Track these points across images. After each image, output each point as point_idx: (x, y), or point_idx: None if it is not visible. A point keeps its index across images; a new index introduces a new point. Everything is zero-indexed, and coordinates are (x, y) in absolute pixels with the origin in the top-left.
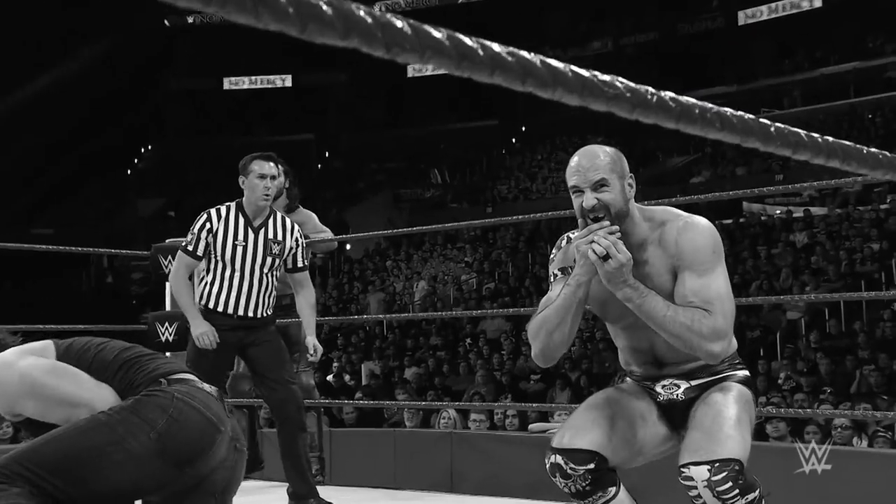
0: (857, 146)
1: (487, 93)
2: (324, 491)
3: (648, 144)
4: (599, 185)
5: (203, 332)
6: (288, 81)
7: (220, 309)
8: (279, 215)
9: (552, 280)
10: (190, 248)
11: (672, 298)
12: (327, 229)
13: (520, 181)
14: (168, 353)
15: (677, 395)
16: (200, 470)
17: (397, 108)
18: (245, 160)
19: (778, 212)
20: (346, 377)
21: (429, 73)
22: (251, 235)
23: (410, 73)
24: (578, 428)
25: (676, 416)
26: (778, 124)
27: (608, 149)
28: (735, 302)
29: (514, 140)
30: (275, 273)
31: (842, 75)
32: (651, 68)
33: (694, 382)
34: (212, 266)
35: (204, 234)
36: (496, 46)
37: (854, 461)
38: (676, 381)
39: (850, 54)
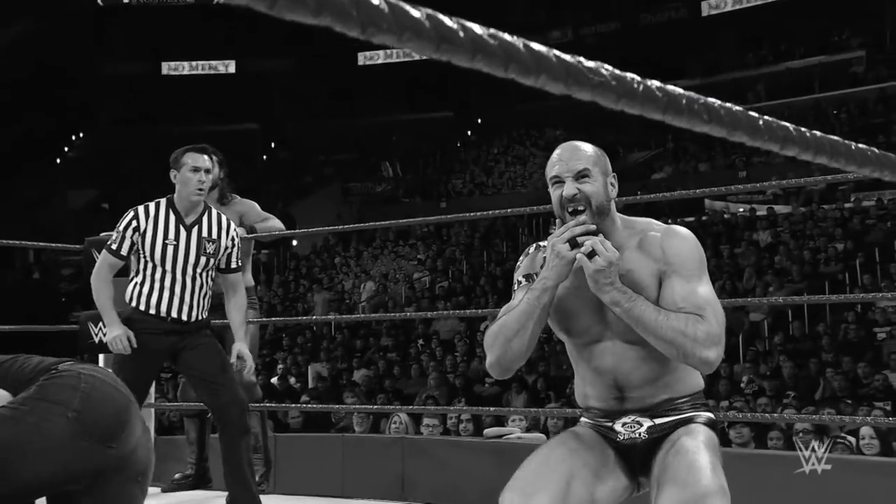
0: (846, 142)
1: (442, 83)
2: (268, 500)
3: (608, 139)
4: (581, 176)
5: (117, 336)
6: (231, 67)
7: (151, 311)
8: (214, 212)
9: (515, 287)
10: (114, 246)
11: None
12: (272, 216)
13: (475, 175)
14: (101, 356)
15: (639, 434)
16: (123, 448)
17: (347, 97)
18: (177, 153)
19: (741, 210)
20: (292, 380)
21: (380, 61)
22: (183, 233)
23: (361, 60)
24: (530, 493)
25: (635, 459)
26: (766, 118)
27: (591, 145)
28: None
29: (469, 132)
30: (209, 273)
31: (807, 70)
32: (611, 60)
33: (658, 421)
34: (141, 266)
35: (130, 232)
36: (478, 28)
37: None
38: (638, 419)
39: (815, 48)
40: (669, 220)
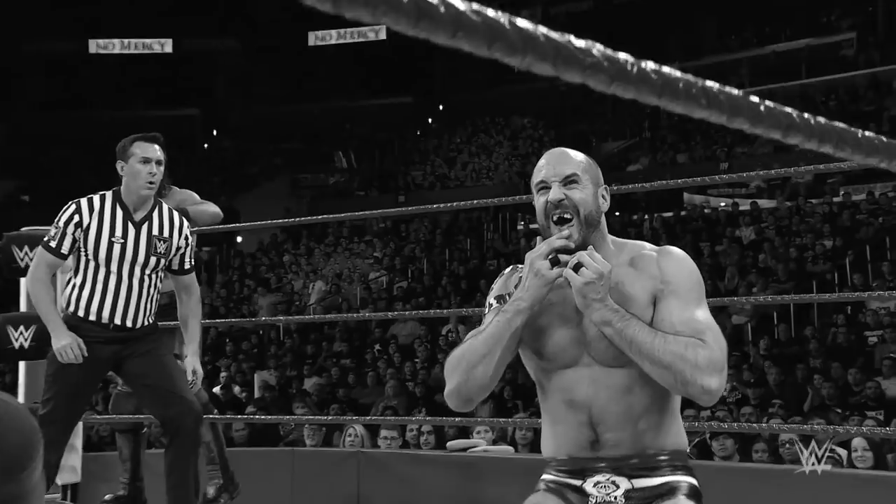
0: (852, 130)
1: (401, 66)
2: None
3: (579, 127)
4: (570, 181)
5: (66, 345)
6: (168, 47)
7: (91, 317)
8: (165, 207)
9: (486, 310)
10: (53, 244)
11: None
12: (211, 202)
13: (436, 167)
14: (22, 364)
15: (615, 499)
16: (23, 486)
17: (297, 81)
18: (125, 142)
19: (723, 204)
20: (236, 389)
21: (333, 41)
22: (132, 231)
23: (312, 40)
24: None
25: None
26: (768, 103)
27: (583, 153)
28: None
29: (430, 120)
30: (159, 275)
31: (793, 53)
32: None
33: (637, 484)
34: (82, 266)
35: (71, 228)
36: (460, 4)
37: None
38: (614, 479)
39: (802, 30)
40: (646, 217)
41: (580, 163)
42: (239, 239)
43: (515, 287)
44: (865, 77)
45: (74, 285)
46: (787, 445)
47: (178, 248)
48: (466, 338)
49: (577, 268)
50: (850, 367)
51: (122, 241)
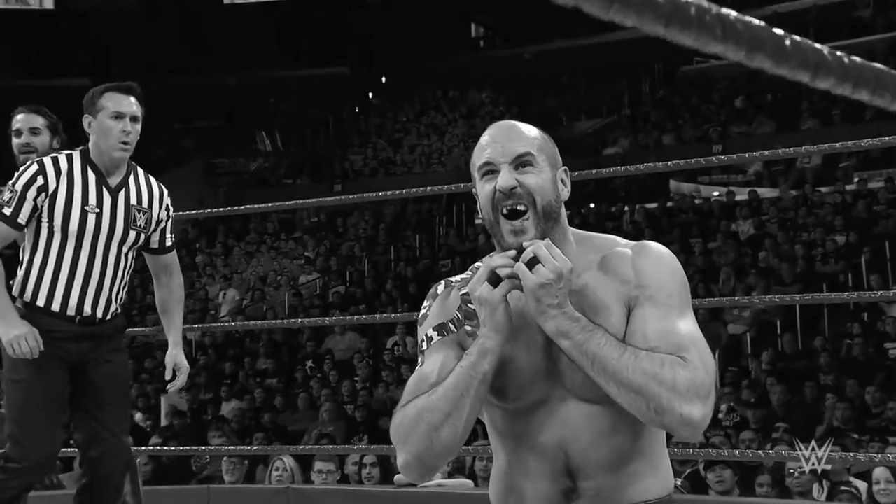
0: (893, 72)
1: (335, 29)
2: None
3: (547, 102)
4: (523, 163)
5: (21, 335)
6: (49, 2)
7: (54, 307)
8: (141, 172)
9: (424, 347)
10: (8, 211)
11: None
12: None
13: (379, 150)
14: None
15: None
16: None
17: (209, 47)
18: (93, 93)
19: (716, 193)
20: (138, 416)
21: None
22: (107, 199)
23: None
24: None
25: None
26: (795, 37)
27: (538, 129)
28: None
29: (370, 95)
30: (133, 255)
31: (799, 14)
32: None
33: None
34: (42, 242)
35: (33, 192)
36: None
37: None
38: None
39: None
40: (626, 208)
41: (534, 139)
42: None
43: (459, 310)
44: (884, 42)
45: (30, 266)
46: (797, 475)
47: (159, 222)
48: (410, 388)
49: (531, 264)
50: (868, 385)
51: (97, 210)
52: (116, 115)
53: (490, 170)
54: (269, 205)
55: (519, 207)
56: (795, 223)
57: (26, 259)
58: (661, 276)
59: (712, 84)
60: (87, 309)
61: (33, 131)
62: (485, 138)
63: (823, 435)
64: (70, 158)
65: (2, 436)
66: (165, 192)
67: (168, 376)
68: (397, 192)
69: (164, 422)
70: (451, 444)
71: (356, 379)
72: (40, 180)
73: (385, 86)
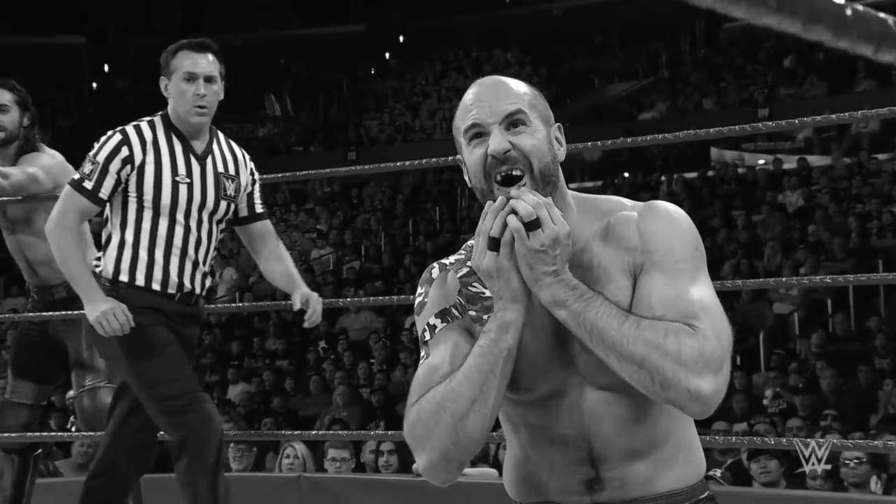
0: None
1: None
2: None
3: (579, 63)
4: (514, 122)
5: (109, 310)
6: None
7: (154, 285)
8: (222, 137)
9: (427, 337)
10: (90, 185)
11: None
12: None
13: (396, 115)
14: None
15: None
16: None
17: (211, 4)
18: (167, 52)
19: (761, 162)
20: None
21: None
22: (196, 167)
23: None
24: None
25: None
26: (857, 5)
27: (526, 83)
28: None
29: (387, 55)
30: (222, 227)
31: None
32: None
33: None
34: (131, 217)
35: (116, 165)
36: None
37: None
38: None
39: None
40: (662, 178)
41: (524, 95)
42: None
43: (460, 294)
44: None
45: (122, 243)
46: (852, 465)
47: (246, 188)
48: (418, 383)
49: (531, 226)
50: None
51: (188, 180)
52: (189, 77)
53: (478, 132)
54: (279, 175)
55: (515, 172)
56: (849, 193)
57: (116, 236)
58: (668, 239)
59: (758, 42)
60: (187, 284)
61: (1, 109)
62: (468, 97)
63: (879, 423)
64: (153, 126)
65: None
66: (248, 156)
67: (297, 305)
68: (416, 160)
69: None
70: (480, 433)
71: (372, 361)
72: (124, 151)
73: (403, 45)
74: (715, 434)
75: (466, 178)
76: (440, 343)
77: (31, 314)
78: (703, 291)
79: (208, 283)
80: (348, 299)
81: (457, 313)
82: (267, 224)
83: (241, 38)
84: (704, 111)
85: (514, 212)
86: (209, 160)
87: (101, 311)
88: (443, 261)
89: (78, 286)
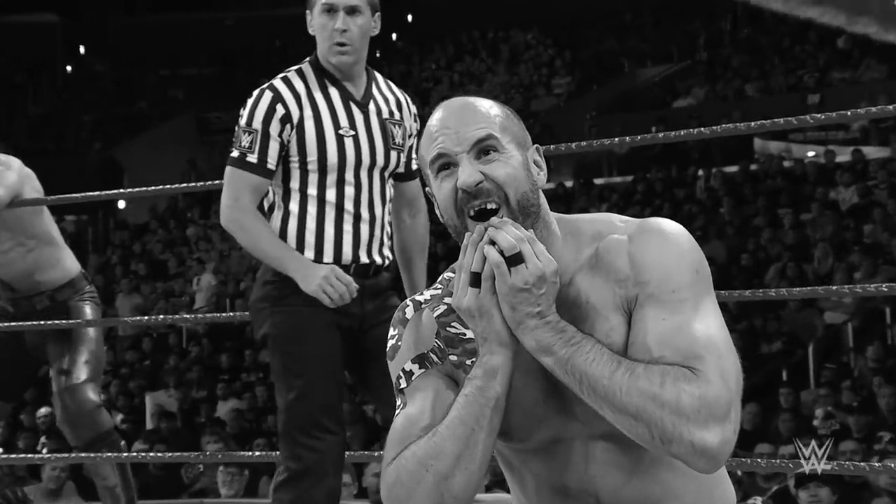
0: None
1: None
2: None
3: (606, 45)
4: (485, 150)
5: (327, 276)
6: None
7: (326, 258)
8: (379, 77)
9: (402, 385)
10: (253, 157)
11: (624, 355)
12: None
13: None
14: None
15: None
16: None
17: None
18: None
19: (811, 154)
20: (118, 417)
21: None
22: (358, 116)
23: None
24: None
25: None
26: None
27: (497, 102)
28: (733, 307)
29: (394, 36)
30: (392, 183)
31: None
32: None
33: None
34: (294, 183)
35: (276, 127)
36: None
37: None
38: None
39: None
40: (700, 172)
41: (494, 117)
42: (122, 204)
43: (438, 336)
44: None
45: (287, 215)
46: None
47: (410, 133)
48: (396, 435)
49: (513, 261)
50: None
51: (352, 132)
52: (328, 8)
53: (446, 163)
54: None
55: (489, 206)
56: None
57: (280, 208)
58: (664, 266)
59: (807, 21)
60: (363, 256)
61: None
62: (433, 123)
63: None
64: (302, 75)
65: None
66: (409, 99)
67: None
68: None
69: (149, 424)
70: (467, 494)
71: None
72: (280, 109)
73: (411, 25)
74: (758, 458)
75: (438, 213)
76: (418, 391)
77: (13, 324)
78: (706, 323)
79: (387, 251)
80: None
81: (436, 358)
82: (418, 186)
83: (233, 18)
84: (747, 98)
85: (493, 244)
86: (371, 106)
87: (319, 281)
88: (417, 297)
89: (282, 265)
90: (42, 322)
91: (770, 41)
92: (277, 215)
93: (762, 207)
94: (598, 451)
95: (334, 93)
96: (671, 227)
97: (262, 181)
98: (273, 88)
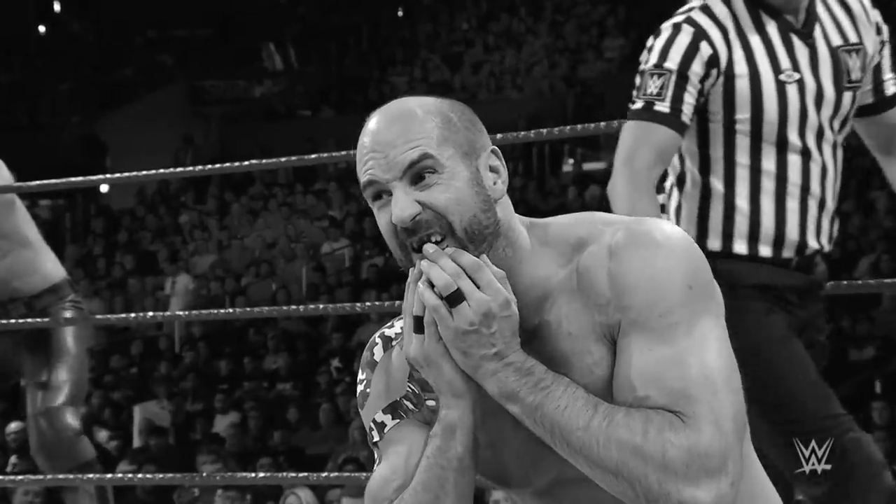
0: None
1: None
2: None
3: (666, 2)
4: (420, 173)
5: None
6: None
7: (763, 251)
8: None
9: (375, 438)
10: (664, 106)
11: (607, 395)
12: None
13: (430, 69)
14: None
15: None
16: None
17: None
18: None
19: None
20: (102, 434)
21: None
22: (801, 53)
23: None
24: None
25: None
26: None
27: (438, 102)
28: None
29: None
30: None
31: None
32: None
33: None
34: (716, 151)
35: (698, 70)
36: None
37: None
38: None
39: None
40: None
41: (431, 130)
42: (104, 188)
43: (411, 379)
44: None
45: (706, 195)
46: None
47: (872, 59)
48: (370, 496)
49: (453, 301)
50: None
51: (796, 76)
52: None
53: (378, 191)
54: (282, 160)
55: (433, 239)
56: None
57: (694, 185)
58: (649, 285)
59: None
60: (811, 241)
61: None
62: (363, 141)
63: None
64: (727, 1)
65: None
66: (868, 3)
67: None
68: None
69: (137, 441)
70: None
71: None
72: (705, 49)
73: None
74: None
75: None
76: (391, 445)
77: None
78: (700, 353)
79: (835, 231)
80: (368, 304)
81: (410, 405)
82: None
83: None
84: None
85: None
86: (817, 33)
87: None
88: (386, 331)
89: None
90: (12, 321)
91: None
92: (691, 195)
93: (851, 191)
94: (606, 494)
95: (768, 22)
96: (661, 232)
97: (672, 136)
98: (692, 22)
